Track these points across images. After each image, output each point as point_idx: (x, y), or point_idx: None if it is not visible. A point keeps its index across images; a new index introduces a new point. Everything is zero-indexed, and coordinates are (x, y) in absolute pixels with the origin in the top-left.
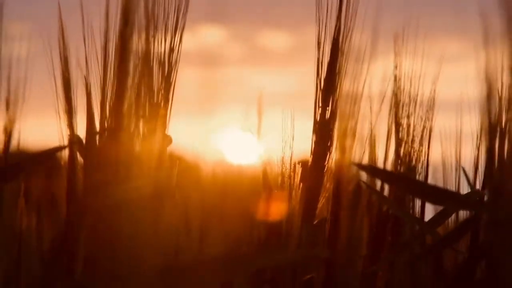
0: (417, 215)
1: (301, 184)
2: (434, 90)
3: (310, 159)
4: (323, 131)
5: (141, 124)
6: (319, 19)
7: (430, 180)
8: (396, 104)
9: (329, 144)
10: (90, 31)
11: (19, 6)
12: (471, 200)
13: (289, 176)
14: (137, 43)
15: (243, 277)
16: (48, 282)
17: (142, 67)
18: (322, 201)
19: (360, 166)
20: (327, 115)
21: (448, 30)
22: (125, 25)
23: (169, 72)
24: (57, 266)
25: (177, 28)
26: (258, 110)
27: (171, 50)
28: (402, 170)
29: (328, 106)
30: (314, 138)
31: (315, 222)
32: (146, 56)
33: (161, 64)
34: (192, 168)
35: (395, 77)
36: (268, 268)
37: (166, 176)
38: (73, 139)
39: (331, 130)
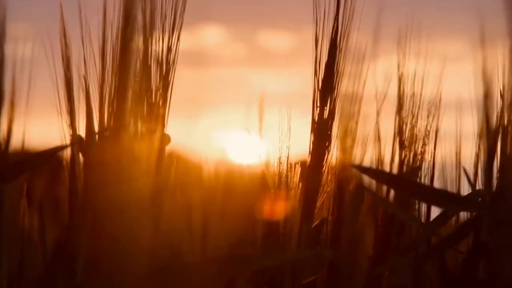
0: (422, 216)
1: (300, 184)
2: (439, 90)
3: (308, 159)
4: (321, 131)
5: (139, 123)
6: (316, 19)
7: (436, 181)
8: (400, 105)
9: (327, 144)
10: (88, 31)
11: (21, 7)
12: (472, 201)
13: (289, 176)
14: (136, 43)
15: (244, 277)
16: (50, 282)
17: (140, 67)
18: (320, 201)
19: (361, 169)
20: (325, 115)
21: (450, 30)
22: (126, 25)
23: (167, 72)
24: (59, 266)
25: (175, 27)
26: (260, 110)
27: (169, 49)
28: (407, 171)
29: (326, 106)
30: (312, 138)
31: (316, 223)
32: (145, 56)
33: (159, 63)
34: (193, 168)
35: (399, 77)
36: (269, 268)
37: (165, 175)
38: (75, 139)
39: (329, 130)
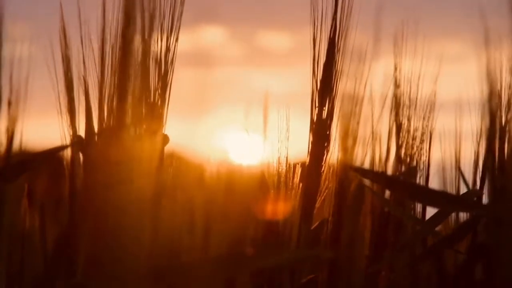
0: (418, 216)
1: (300, 184)
2: (435, 91)
3: (307, 159)
4: (320, 131)
5: (138, 123)
6: (314, 18)
7: (432, 181)
8: (396, 105)
9: (326, 144)
10: (88, 31)
11: (20, 6)
12: (468, 201)
13: (289, 176)
14: (135, 42)
15: (244, 276)
16: (50, 282)
17: (139, 67)
18: (319, 201)
19: (359, 171)
20: (324, 115)
21: (447, 30)
22: (126, 25)
23: (166, 72)
24: (59, 266)
25: (174, 27)
26: (264, 110)
27: (168, 49)
28: (403, 171)
29: (325, 106)
30: (310, 138)
31: (316, 223)
32: (144, 56)
33: (158, 63)
34: (193, 168)
35: (395, 77)
36: (268, 268)
37: (164, 175)
38: (75, 139)
39: (328, 130)
